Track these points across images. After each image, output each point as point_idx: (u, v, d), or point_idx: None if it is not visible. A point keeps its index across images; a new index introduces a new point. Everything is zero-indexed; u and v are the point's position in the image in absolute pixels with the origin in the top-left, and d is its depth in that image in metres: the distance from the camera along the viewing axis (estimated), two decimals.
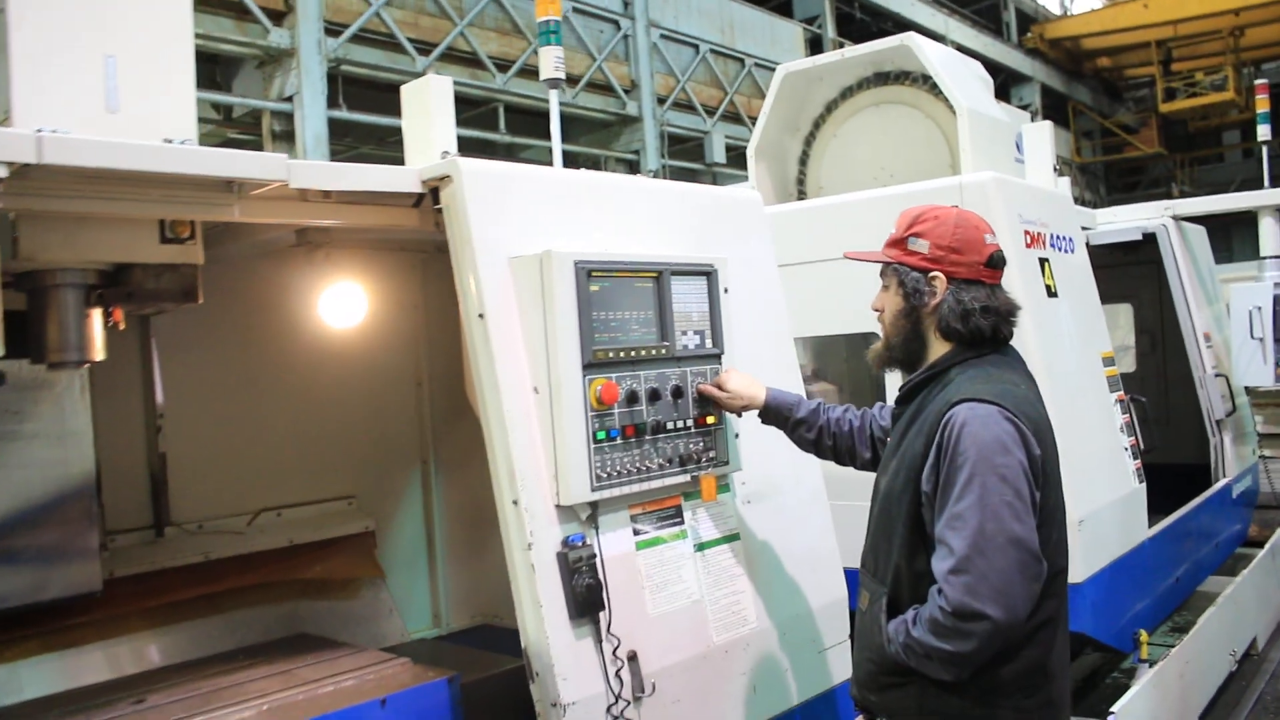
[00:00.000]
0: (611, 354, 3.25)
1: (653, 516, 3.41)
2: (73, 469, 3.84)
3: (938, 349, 2.91)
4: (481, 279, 3.16)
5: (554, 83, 4.69)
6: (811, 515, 4.01)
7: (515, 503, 3.10)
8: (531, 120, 13.82)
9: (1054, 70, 27.80)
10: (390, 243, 4.76)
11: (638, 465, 3.29)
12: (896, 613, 2.74)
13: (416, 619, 5.21)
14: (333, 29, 11.23)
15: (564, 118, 7.99)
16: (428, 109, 3.57)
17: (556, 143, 4.71)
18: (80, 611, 4.01)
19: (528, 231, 3.30)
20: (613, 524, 3.28)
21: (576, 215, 3.45)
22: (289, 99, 10.96)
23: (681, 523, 3.43)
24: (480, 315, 3.17)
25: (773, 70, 7.66)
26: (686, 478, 3.39)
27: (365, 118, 11.61)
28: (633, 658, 3.19)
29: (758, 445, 3.74)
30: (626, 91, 15.17)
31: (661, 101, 15.60)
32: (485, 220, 3.21)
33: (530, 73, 12.70)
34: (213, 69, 11.48)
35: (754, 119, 8.39)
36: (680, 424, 3.41)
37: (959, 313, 2.82)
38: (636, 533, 3.35)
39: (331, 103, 11.12)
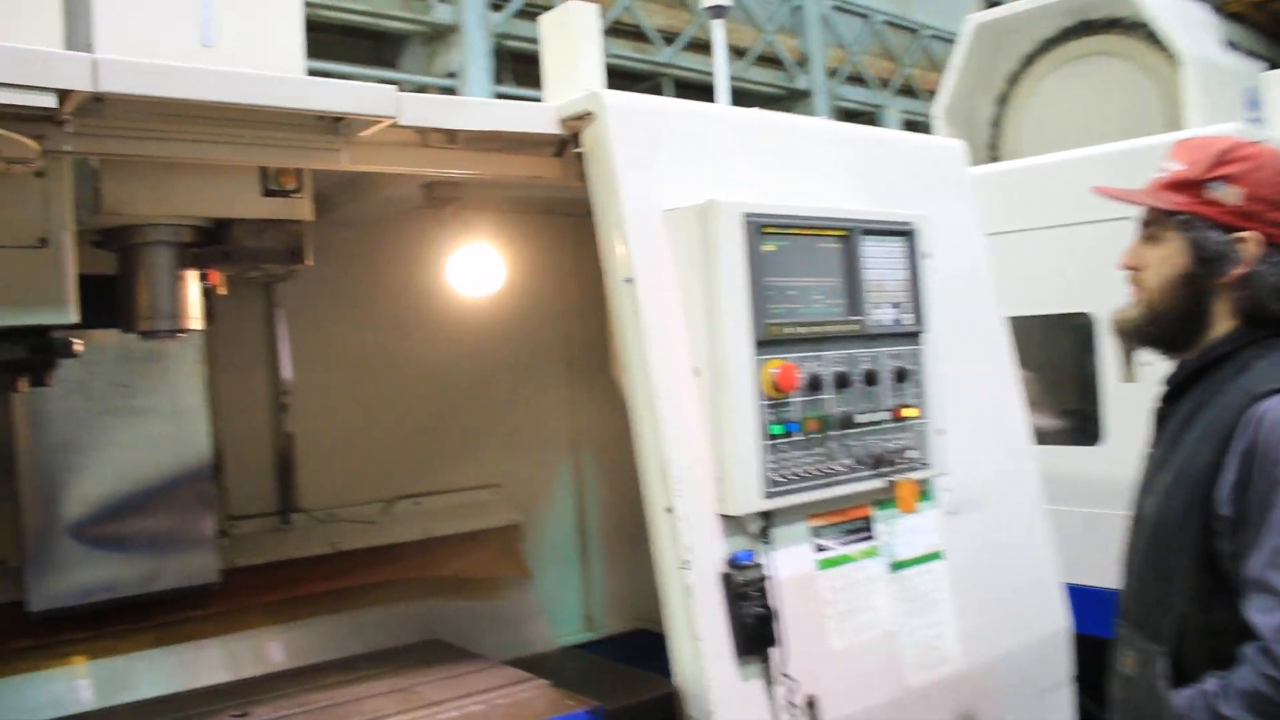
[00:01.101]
0: (789, 330, 2.64)
1: (838, 529, 2.80)
2: (186, 449, 3.48)
3: (1221, 327, 2.19)
4: (629, 235, 2.60)
5: (716, 11, 4.08)
6: (1030, 528, 3.31)
7: (668, 511, 2.54)
8: (697, 96, 13.27)
9: (1260, 37, 25.34)
10: (535, 204, 4.25)
11: (821, 467, 2.69)
12: (1184, 681, 2.04)
13: (566, 622, 4.70)
14: (497, 3, 11.03)
15: (733, 92, 7.56)
16: (571, 40, 3.04)
17: (722, 75, 4.09)
18: (197, 604, 3.66)
19: (687, 180, 2.72)
20: (789, 538, 2.69)
21: (746, 161, 2.86)
22: (453, 75, 10.81)
23: (872, 537, 2.84)
24: (628, 280, 2.60)
25: (949, 41, 6.90)
26: (880, 483, 2.81)
27: (530, 93, 11.30)
28: (811, 704, 2.59)
29: (968, 443, 3.07)
30: (798, 64, 14.54)
31: (832, 75, 14.90)
32: (634, 165, 2.65)
33: (697, 46, 12.22)
34: (378, 46, 11.42)
35: (931, 92, 7.64)
36: (873, 417, 2.79)
37: (1274, 288, 2.09)
38: (819, 549, 2.73)
39: (496, 79, 10.90)
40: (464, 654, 3.61)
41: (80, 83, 2.16)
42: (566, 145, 2.88)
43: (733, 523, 2.59)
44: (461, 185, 3.44)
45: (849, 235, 2.79)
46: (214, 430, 3.85)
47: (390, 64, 11.47)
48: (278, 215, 2.92)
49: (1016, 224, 4.91)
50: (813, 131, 3.11)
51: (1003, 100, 6.65)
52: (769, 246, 2.63)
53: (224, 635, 3.74)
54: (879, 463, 2.81)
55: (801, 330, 2.67)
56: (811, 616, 2.68)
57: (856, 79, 15.51)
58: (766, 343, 2.60)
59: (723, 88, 4.04)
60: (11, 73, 2.08)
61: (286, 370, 4.08)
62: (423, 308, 4.21)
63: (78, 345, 2.67)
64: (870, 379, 2.80)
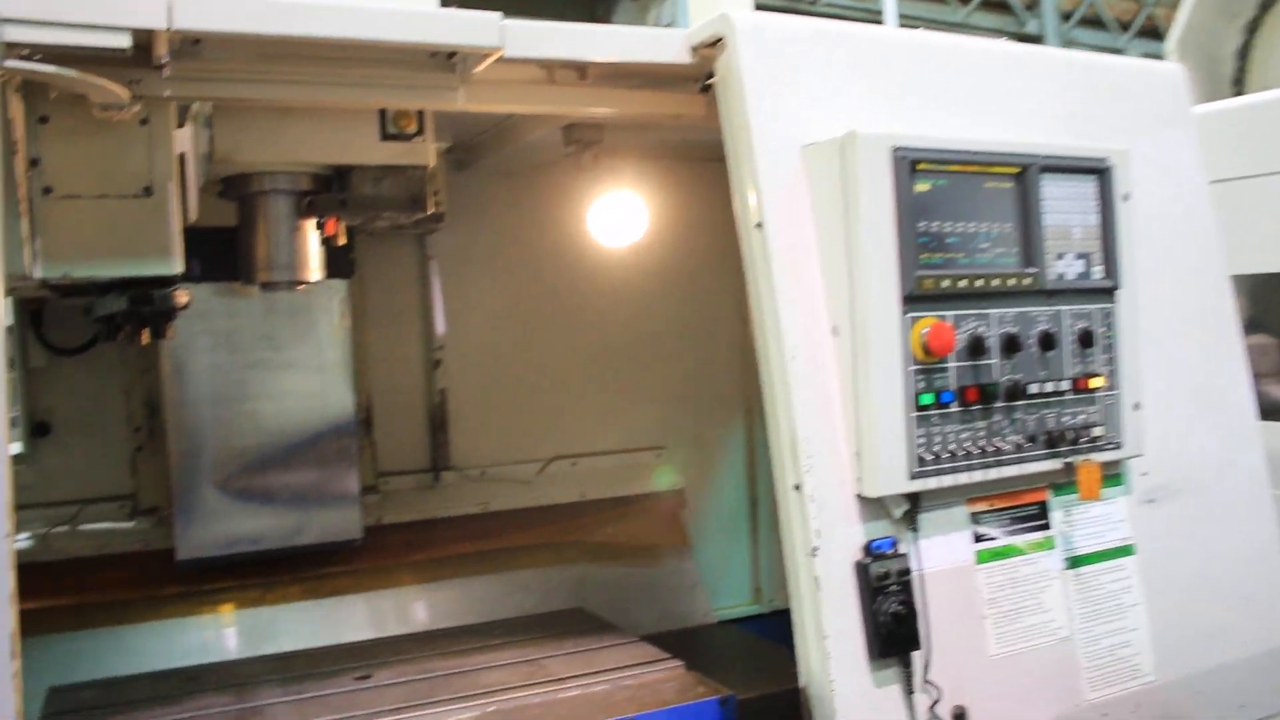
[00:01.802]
0: (946, 283, 2.27)
1: (1003, 516, 2.42)
2: (330, 404, 3.43)
3: None
4: (759, 174, 2.29)
5: None
6: (1252, 520, 2.80)
7: (796, 489, 2.23)
8: None
9: None
10: (695, 149, 3.95)
11: (983, 444, 2.31)
12: None
13: (732, 594, 4.44)
14: None
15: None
16: None
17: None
18: (343, 559, 3.63)
19: (833, 111, 2.38)
20: (941, 525, 2.34)
21: (905, 89, 2.49)
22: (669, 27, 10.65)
23: (1048, 527, 2.46)
24: (757, 225, 2.30)
25: None
26: (1057, 464, 2.43)
27: None
28: (960, 717, 2.24)
29: (1172, 419, 2.60)
30: (1026, 8, 13.57)
31: (1066, 18, 13.81)
32: (767, 93, 2.33)
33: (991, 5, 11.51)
34: (592, 3, 11.33)
35: None
36: (1050, 387, 2.38)
37: None
38: (978, 538, 2.36)
39: None
40: (604, 626, 3.41)
41: (154, 20, 2.03)
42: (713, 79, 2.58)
43: (872, 505, 2.26)
44: (602, 128, 3.21)
45: (1024, 172, 2.37)
46: (365, 386, 3.80)
47: (604, 19, 11.40)
48: (398, 161, 2.76)
49: (1260, 167, 4.25)
50: (984, 53, 2.67)
51: (1253, 27, 5.89)
52: (923, 185, 2.25)
53: (368, 592, 3.70)
54: (1056, 441, 2.40)
55: (961, 284, 2.29)
56: (965, 616, 2.33)
57: (1093, 21, 14.36)
58: (917, 298, 2.24)
59: (890, 17, 3.61)
60: (84, 12, 1.98)
61: (440, 325, 3.99)
62: (578, 260, 4.01)
63: (181, 297, 2.60)
64: (1047, 342, 2.39)
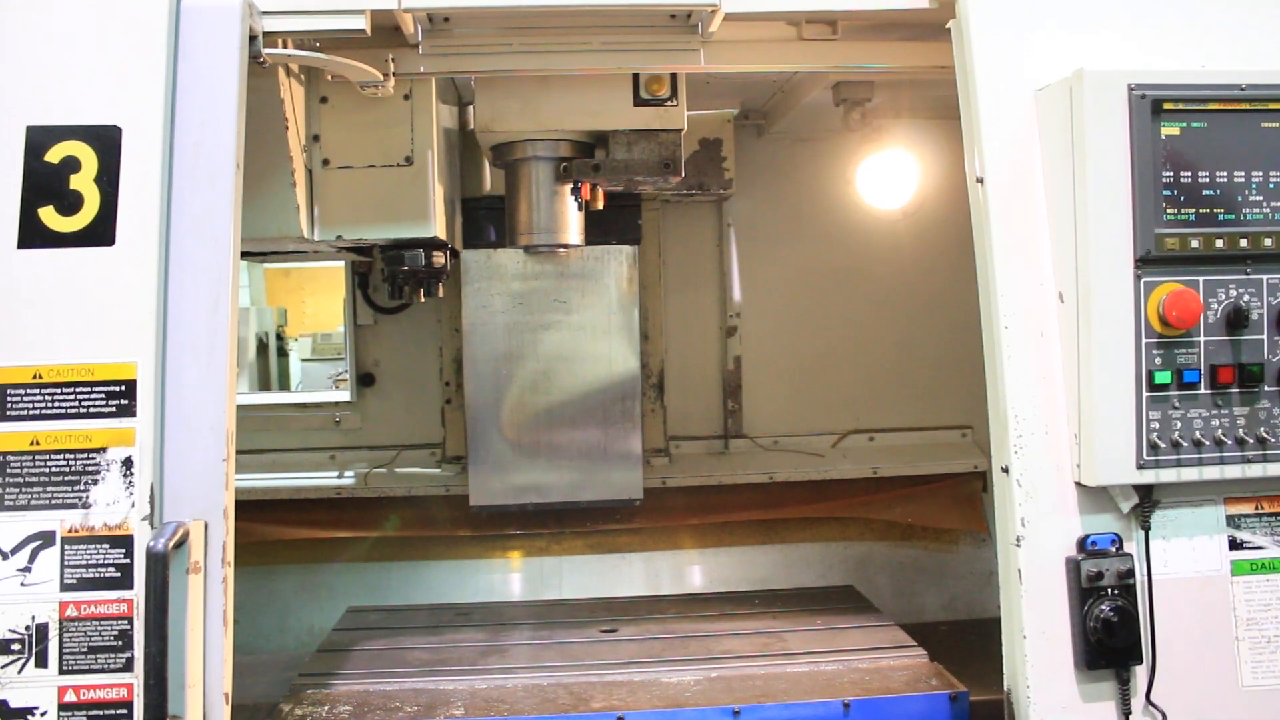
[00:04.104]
0: (1198, 243, 1.93)
1: (1274, 523, 2.03)
2: (617, 366, 3.55)
3: None
4: (981, 123, 2.07)
5: None
6: None
7: (1005, 470, 2.01)
8: None
9: None
10: None
11: (1241, 433, 1.94)
12: None
13: None
14: None
15: None
16: None
17: None
18: (625, 518, 3.77)
19: (1076, 50, 2.08)
20: (1185, 525, 2.01)
21: (1161, 21, 2.12)
22: None
23: None
24: (979, 180, 2.08)
25: None
26: None
27: None
28: None
29: None
30: None
31: None
32: (995, 32, 2.11)
33: None
34: None
35: None
36: None
37: None
38: (1235, 545, 2.00)
39: None
40: (866, 606, 3.28)
41: (387, 2, 2.21)
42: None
43: (1095, 496, 1.98)
44: (871, 86, 3.06)
45: None
46: (659, 350, 3.91)
47: None
48: (650, 125, 2.81)
49: None
50: None
51: None
52: (1172, 129, 1.93)
53: (648, 551, 3.82)
54: None
55: (1220, 244, 1.93)
56: (1211, 636, 1.98)
57: None
58: (1156, 260, 1.92)
59: None
60: (325, 0, 2.19)
61: (736, 292, 3.99)
62: (874, 229, 3.85)
63: (438, 259, 2.81)
64: None
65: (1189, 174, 1.93)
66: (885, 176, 3.33)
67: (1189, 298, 1.90)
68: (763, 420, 4.01)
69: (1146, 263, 1.92)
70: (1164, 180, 1.93)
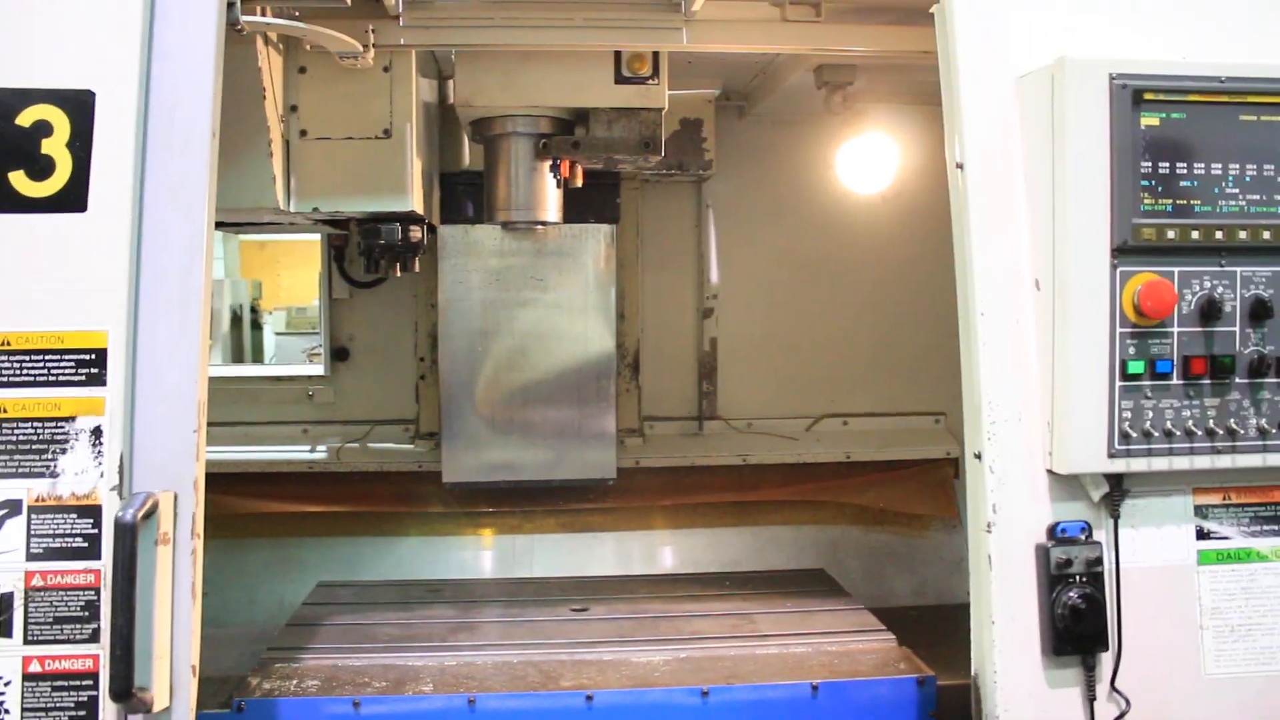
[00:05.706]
0: (1174, 234, 1.94)
1: (1243, 514, 2.06)
2: (592, 345, 3.55)
3: None
4: (962, 108, 2.07)
5: None
6: None
7: (977, 457, 2.02)
8: None
9: None
10: None
11: (1212, 424, 1.96)
12: None
13: None
14: None
15: None
16: None
17: None
18: (599, 497, 3.77)
19: (1059, 37, 2.08)
20: (1153, 514, 2.03)
21: (1142, 11, 2.12)
22: None
23: None
24: (958, 165, 2.08)
25: None
26: None
27: None
28: None
29: None
30: None
31: None
32: (982, 20, 2.11)
33: None
34: None
35: None
36: None
37: None
38: (1203, 535, 2.02)
39: None
40: (836, 590, 3.30)
41: None
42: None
43: (1065, 484, 2.00)
44: (854, 69, 3.06)
45: None
46: (635, 330, 3.91)
47: None
48: (631, 103, 2.80)
49: None
50: None
51: None
52: (1151, 119, 1.93)
53: (619, 531, 3.83)
54: None
55: (1195, 235, 1.94)
56: (1177, 624, 2.00)
57: None
58: (1133, 250, 1.93)
59: None
60: None
61: (713, 273, 3.99)
62: (852, 213, 3.85)
63: (415, 233, 2.79)
64: None
65: (1167, 165, 1.94)
66: (865, 161, 3.33)
67: (1164, 288, 1.91)
68: (737, 402, 4.02)
69: (1123, 252, 1.93)
70: (1142, 170, 1.94)
